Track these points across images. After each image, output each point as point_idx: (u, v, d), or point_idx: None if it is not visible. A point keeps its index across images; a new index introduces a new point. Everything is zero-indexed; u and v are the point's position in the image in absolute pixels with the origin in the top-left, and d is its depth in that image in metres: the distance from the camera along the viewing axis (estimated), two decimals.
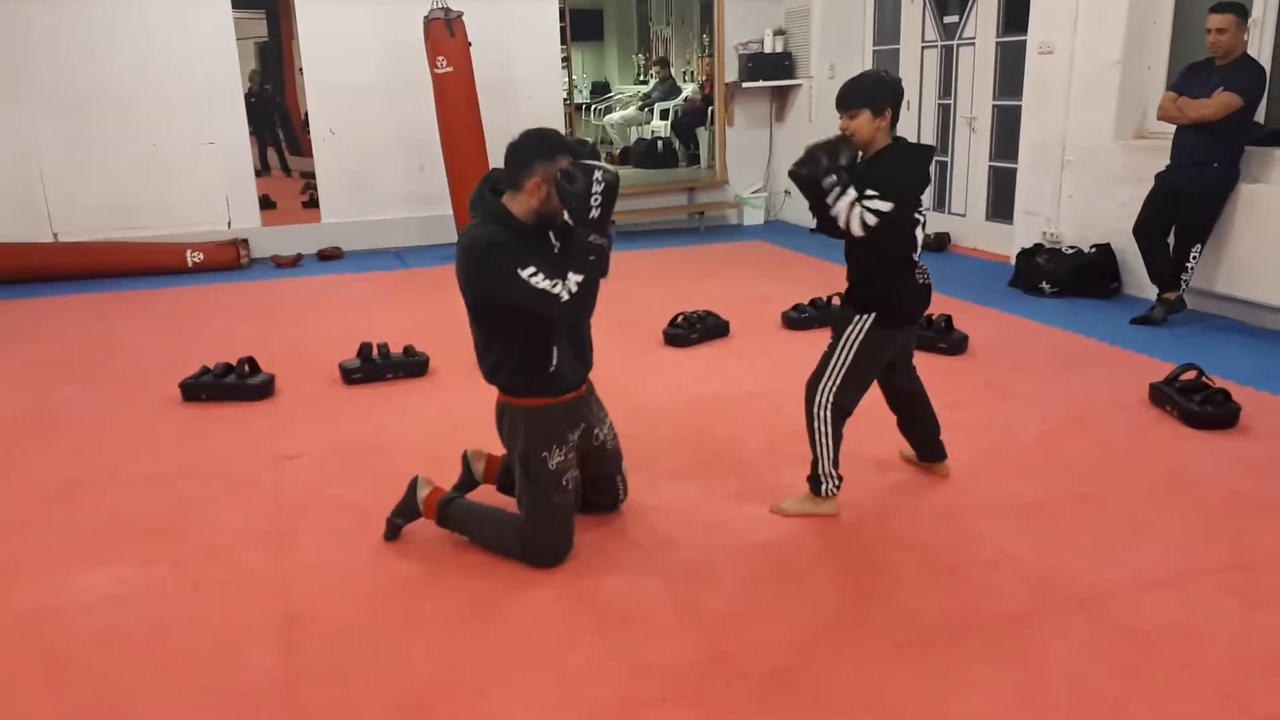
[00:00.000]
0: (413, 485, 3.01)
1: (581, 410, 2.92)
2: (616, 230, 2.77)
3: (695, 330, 5.09)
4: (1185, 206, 5.07)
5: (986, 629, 2.49)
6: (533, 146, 2.68)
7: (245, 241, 7.57)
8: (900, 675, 2.31)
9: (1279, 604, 2.57)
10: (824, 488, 3.09)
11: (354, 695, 2.29)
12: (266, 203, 8.57)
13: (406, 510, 3.01)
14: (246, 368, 4.45)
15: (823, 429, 3.03)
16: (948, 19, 7.54)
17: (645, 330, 5.18)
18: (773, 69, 8.65)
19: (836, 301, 5.31)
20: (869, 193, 2.81)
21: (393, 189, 8.04)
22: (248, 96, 12.14)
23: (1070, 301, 5.73)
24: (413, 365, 4.61)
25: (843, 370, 3.00)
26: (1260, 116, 5.06)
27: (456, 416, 4.11)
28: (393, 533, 3.02)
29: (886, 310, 3.00)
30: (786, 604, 2.63)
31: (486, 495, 3.19)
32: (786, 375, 4.55)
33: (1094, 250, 5.89)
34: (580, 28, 12.95)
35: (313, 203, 8.44)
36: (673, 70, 12.33)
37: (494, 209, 2.72)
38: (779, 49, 8.67)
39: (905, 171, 2.92)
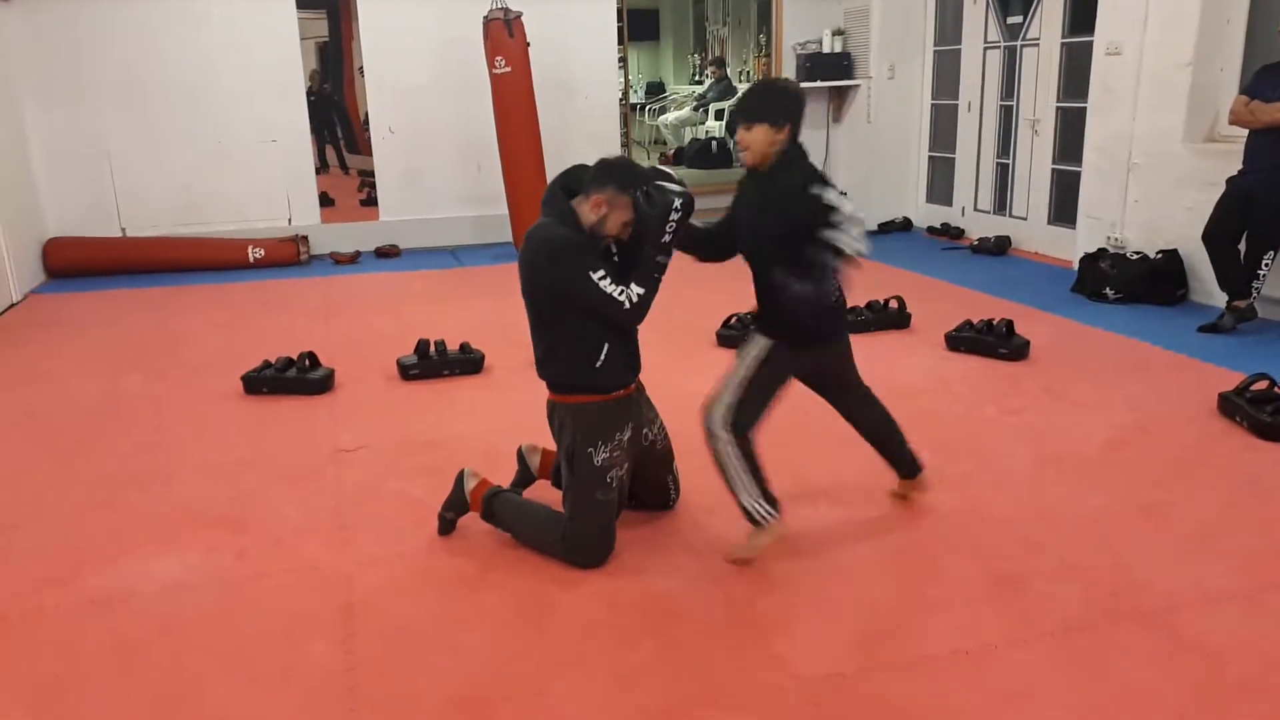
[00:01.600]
0: (460, 478, 3.05)
1: (630, 409, 2.93)
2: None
3: (748, 331, 5.05)
4: (1257, 212, 4.93)
5: (1047, 639, 2.45)
6: (618, 171, 2.78)
7: (305, 238, 7.70)
8: (957, 683, 2.28)
9: None
10: (755, 514, 2.79)
11: (415, 689, 2.32)
12: (325, 200, 8.71)
13: (455, 504, 3.05)
14: (307, 362, 4.52)
15: (726, 450, 2.77)
16: (1011, 19, 7.42)
17: (698, 331, 5.17)
18: (831, 69, 8.58)
19: (894, 305, 5.31)
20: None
21: (450, 188, 8.13)
22: (308, 95, 12.40)
23: (1135, 308, 5.61)
24: (469, 362, 4.66)
25: (739, 388, 2.80)
26: None
27: (512, 413, 4.14)
28: (446, 527, 3.06)
29: (794, 334, 2.86)
30: (841, 608, 2.61)
31: (541, 491, 3.22)
32: None
33: (1160, 256, 5.75)
34: (636, 27, 12.98)
35: (371, 201, 8.56)
36: (729, 70, 12.30)
37: (565, 211, 2.79)
38: (837, 49, 8.60)
39: (807, 173, 2.76)
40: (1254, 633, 2.45)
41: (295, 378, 4.45)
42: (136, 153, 7.48)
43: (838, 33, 8.61)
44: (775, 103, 2.77)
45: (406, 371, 4.60)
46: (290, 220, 7.89)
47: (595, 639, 2.51)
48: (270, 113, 7.66)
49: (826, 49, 8.60)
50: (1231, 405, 3.84)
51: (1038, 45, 7.13)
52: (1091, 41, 6.34)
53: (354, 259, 7.71)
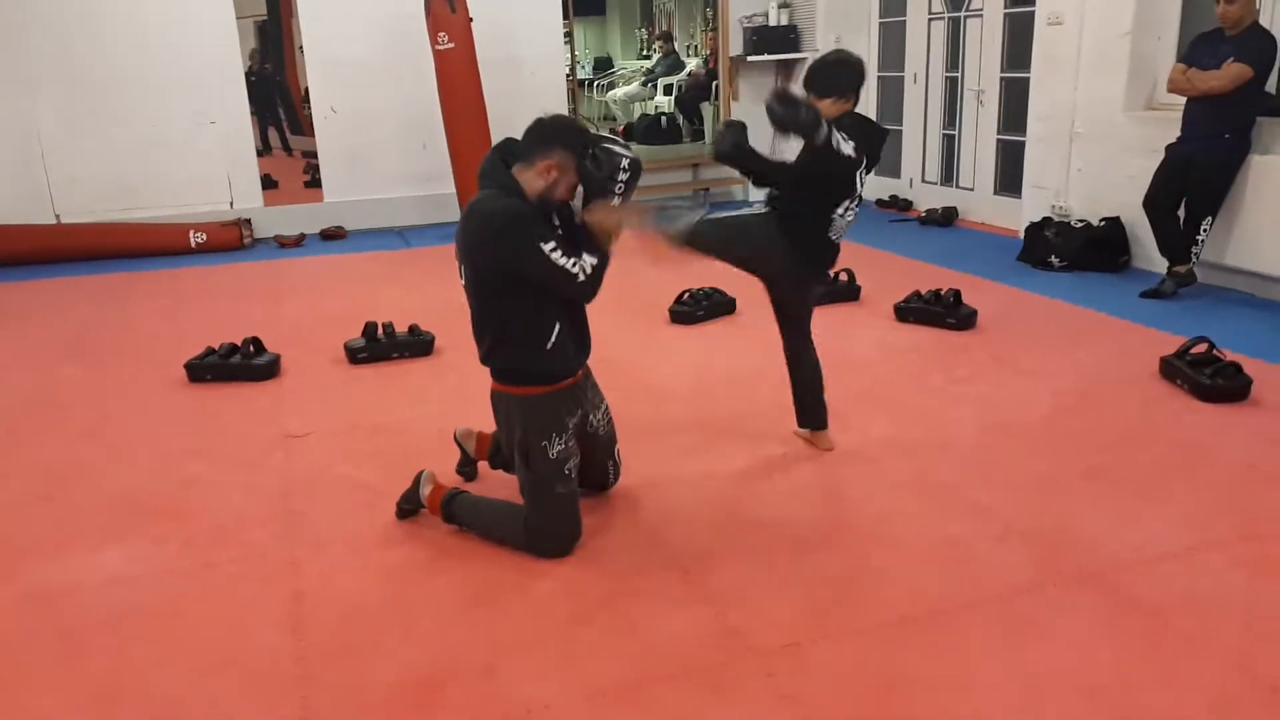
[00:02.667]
0: (417, 480, 3.00)
1: (578, 395, 2.85)
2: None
3: (701, 307, 5.06)
4: (1195, 179, 5.02)
5: (994, 602, 2.49)
6: (561, 131, 2.67)
7: (248, 221, 7.54)
8: (909, 649, 2.31)
9: None
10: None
11: (364, 673, 2.30)
12: (269, 182, 8.52)
13: (412, 500, 3.00)
14: (251, 348, 4.44)
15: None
16: None
17: (651, 308, 5.16)
18: (777, 42, 8.57)
19: (844, 278, 5.34)
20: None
21: (395, 167, 8.00)
22: (248, 75, 12.10)
23: (1079, 275, 5.70)
24: (418, 344, 4.60)
25: (723, 217, 3.17)
26: (1271, 87, 4.99)
27: (463, 395, 4.09)
28: (403, 514, 3.02)
29: (789, 232, 3.14)
30: (794, 579, 2.63)
31: (484, 476, 3.20)
32: None
33: (1103, 224, 5.84)
34: (582, 2, 12.85)
35: (315, 182, 8.39)
36: (676, 45, 12.23)
37: (507, 181, 2.66)
38: (783, 22, 8.59)
39: (866, 132, 3.06)
40: (1195, 589, 2.51)
41: (240, 364, 4.37)
42: (69, 137, 7.26)
43: (783, 5, 8.60)
44: (842, 78, 3.05)
45: (354, 355, 4.53)
46: (232, 204, 7.72)
47: (548, 618, 2.49)
48: (208, 94, 7.47)
49: (773, 22, 8.60)
50: (1173, 369, 3.91)
51: (981, 16, 7.18)
52: (1033, 12, 6.40)
53: (299, 242, 7.57)
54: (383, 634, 2.45)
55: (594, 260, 2.63)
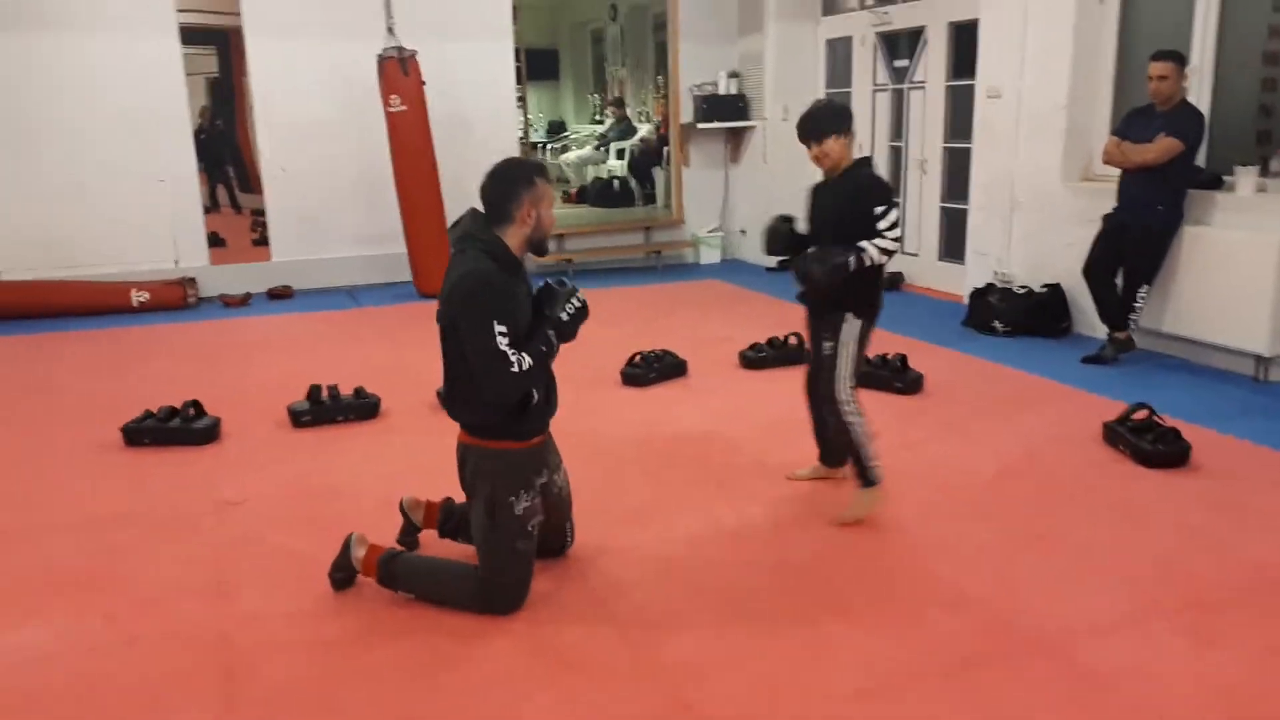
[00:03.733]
0: (346, 544, 2.90)
1: (544, 455, 2.86)
2: (574, 270, 2.81)
3: (653, 370, 5.05)
4: (1131, 247, 5.16)
5: (946, 675, 2.46)
6: (512, 177, 2.73)
7: (193, 280, 7.42)
8: None
9: (1228, 642, 2.58)
10: (874, 473, 3.29)
11: None
12: (216, 240, 8.42)
13: (344, 566, 2.91)
14: (191, 411, 4.32)
15: (855, 419, 3.27)
16: (898, 63, 7.68)
17: (603, 370, 5.14)
18: (727, 110, 8.74)
19: (793, 342, 5.37)
20: (877, 211, 3.13)
21: (345, 227, 7.95)
22: (198, 133, 11.99)
23: (1022, 340, 5.80)
24: (363, 407, 4.52)
25: (850, 363, 3.28)
26: (1201, 160, 5.18)
27: (408, 459, 4.02)
28: (339, 585, 2.93)
29: (873, 307, 3.34)
30: (746, 650, 2.58)
31: (430, 542, 3.12)
32: (745, 414, 4.54)
33: (1045, 290, 5.97)
34: (536, 67, 13.02)
35: (263, 240, 8.30)
36: (629, 110, 12.41)
37: (491, 242, 2.70)
38: (733, 91, 8.77)
39: (880, 181, 3.28)
40: (1141, 659, 2.50)
41: (179, 427, 4.25)
42: (8, 191, 7.11)
43: (733, 75, 8.79)
44: (839, 117, 3.28)
45: (298, 418, 4.43)
46: (177, 262, 7.59)
47: (489, 695, 2.41)
48: (155, 150, 7.38)
49: (723, 91, 8.76)
50: (1115, 434, 3.97)
51: (924, 88, 7.39)
52: (974, 85, 6.59)
53: (245, 301, 7.46)
54: (315, 712, 2.35)
55: (530, 362, 2.64)
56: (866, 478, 3.30)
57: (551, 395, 2.87)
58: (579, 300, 2.82)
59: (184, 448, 4.19)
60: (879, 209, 3.14)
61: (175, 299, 7.26)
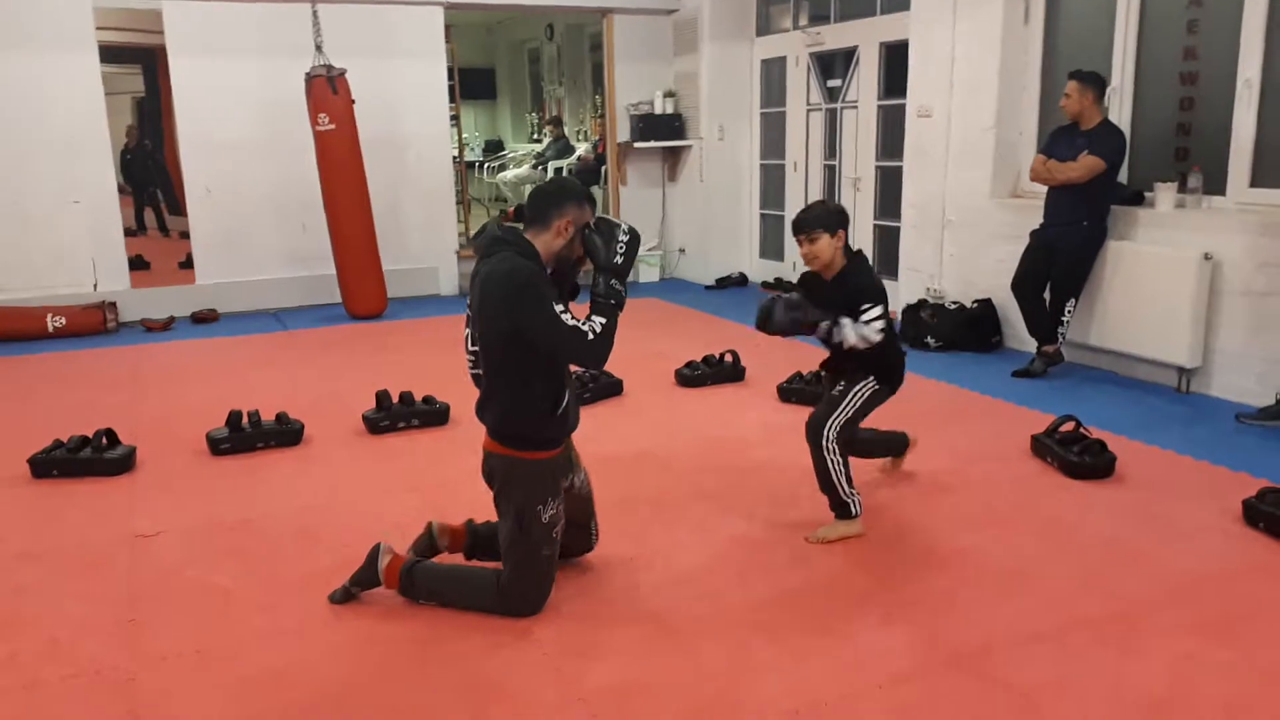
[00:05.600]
0: (374, 554, 2.90)
1: (567, 460, 2.90)
2: None
3: (588, 389, 5.00)
4: (1058, 262, 5.25)
5: (873, 693, 2.43)
6: (566, 190, 2.80)
7: (113, 304, 7.17)
8: None
9: (1151, 652, 2.59)
10: (852, 509, 3.31)
11: None
12: (140, 263, 8.20)
13: (364, 580, 2.90)
14: (105, 440, 4.15)
15: (834, 458, 3.27)
16: (831, 82, 7.76)
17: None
18: (664, 130, 8.75)
19: (729, 359, 5.36)
20: (863, 308, 3.17)
21: (273, 249, 7.76)
22: (124, 153, 11.72)
23: (954, 355, 5.86)
24: (286, 434, 4.38)
25: (850, 413, 3.31)
26: (1123, 177, 5.29)
27: (331, 487, 3.91)
28: (343, 596, 2.92)
29: (892, 381, 3.39)
30: (673, 676, 2.52)
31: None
32: (679, 433, 4.51)
33: (976, 305, 6.05)
34: (472, 86, 12.94)
35: (189, 263, 8.09)
36: (566, 129, 12.39)
37: (524, 245, 2.71)
38: (669, 110, 8.79)
39: (874, 275, 3.32)
40: (1064, 671, 2.50)
41: (90, 458, 4.07)
42: None
43: (669, 94, 8.81)
44: (831, 216, 3.27)
45: (217, 446, 4.28)
46: (96, 285, 7.35)
47: None
48: (73, 171, 7.14)
49: (659, 110, 8.78)
50: (1042, 446, 4.00)
51: (856, 108, 7.47)
52: (904, 104, 6.67)
53: (167, 326, 7.23)
54: None
55: (603, 320, 2.67)
56: (841, 509, 3.33)
57: (575, 404, 2.88)
58: (626, 229, 2.77)
59: (96, 479, 4.02)
60: (865, 305, 3.18)
61: (94, 324, 7.01)
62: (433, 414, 4.64)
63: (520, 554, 2.78)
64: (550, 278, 2.76)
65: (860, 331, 3.17)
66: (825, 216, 3.27)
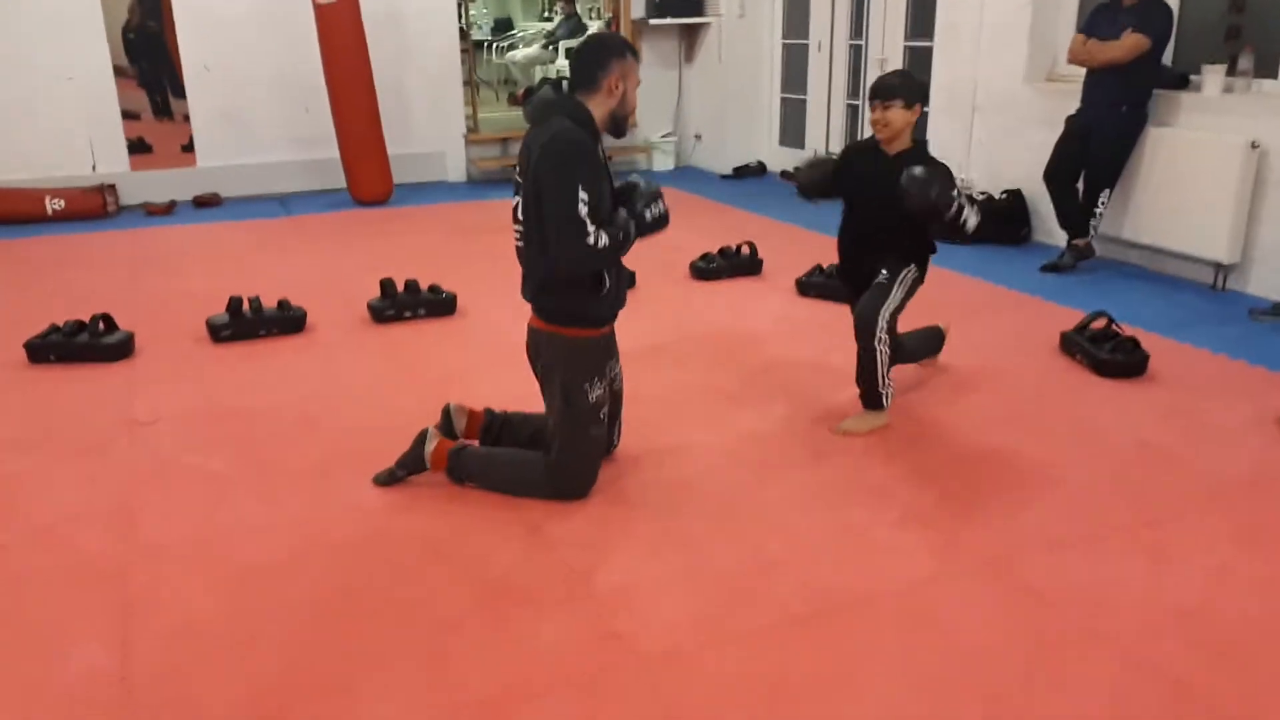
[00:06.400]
0: (421, 437, 2.86)
1: (612, 344, 2.85)
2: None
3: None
4: (1094, 150, 4.98)
5: (891, 597, 2.34)
6: (607, 46, 2.68)
7: (112, 187, 6.98)
8: (801, 651, 2.14)
9: (1183, 559, 2.49)
10: (885, 400, 3.25)
11: (198, 695, 2.03)
12: (142, 146, 7.94)
13: (411, 462, 2.86)
14: (101, 325, 4.04)
15: (884, 349, 3.19)
16: None
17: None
18: (681, 5, 8.32)
19: (745, 251, 5.17)
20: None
21: (275, 130, 7.50)
22: (126, 32, 11.30)
23: (981, 249, 5.63)
24: (288, 321, 4.25)
25: (898, 301, 3.22)
26: (1167, 59, 4.97)
27: (333, 376, 3.80)
28: (388, 478, 2.89)
29: (924, 267, 3.29)
30: (682, 577, 2.43)
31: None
32: (693, 326, 4.37)
33: (1004, 196, 5.79)
34: None
35: (192, 146, 7.84)
36: (578, 7, 11.87)
37: (576, 109, 2.61)
38: None
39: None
40: (1093, 578, 2.40)
41: (87, 343, 3.97)
42: None
43: None
44: (911, 88, 3.14)
45: (217, 333, 4.16)
46: (94, 168, 7.14)
47: (413, 625, 2.25)
48: (65, 49, 6.85)
49: None
50: (1072, 344, 3.84)
51: None
52: None
53: (169, 210, 7.05)
54: (221, 650, 2.17)
55: (606, 241, 2.56)
56: (873, 401, 3.25)
57: (623, 285, 2.81)
58: (662, 206, 2.73)
59: (94, 365, 3.92)
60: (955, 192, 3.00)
61: (94, 207, 6.83)
62: (439, 303, 4.50)
63: (567, 431, 2.73)
64: (601, 140, 2.68)
65: (973, 217, 3.04)
66: (908, 87, 3.14)
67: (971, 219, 3.02)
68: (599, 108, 2.63)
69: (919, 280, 3.27)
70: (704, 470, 3.02)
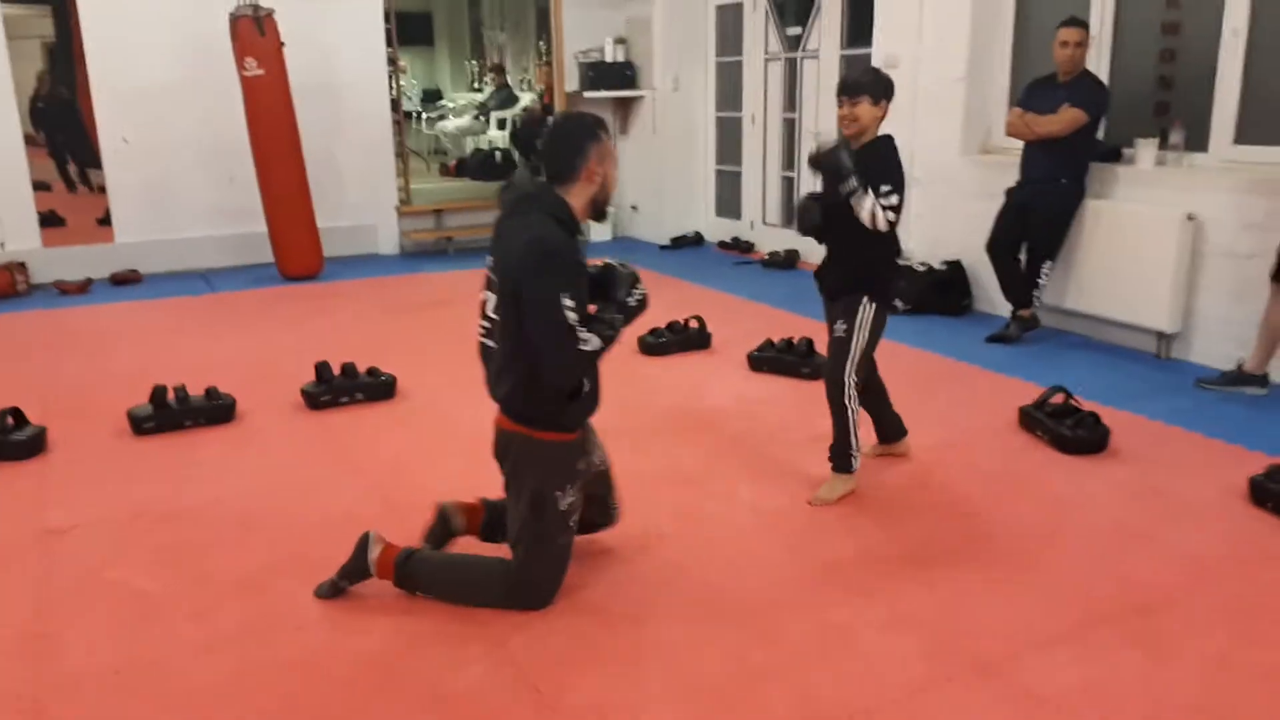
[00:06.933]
0: (362, 543, 2.65)
1: (586, 442, 2.68)
2: (454, 249, 2.48)
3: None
4: (1035, 223, 5.04)
5: (891, 708, 2.19)
6: (581, 130, 2.53)
7: (22, 265, 6.61)
8: None
9: (1179, 651, 2.40)
10: (853, 463, 3.25)
11: None
12: (55, 219, 7.60)
13: (354, 572, 2.65)
14: (10, 420, 3.73)
15: (852, 406, 3.19)
16: (791, 30, 7.43)
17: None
18: (614, 79, 8.34)
19: (694, 325, 5.07)
20: (883, 189, 3.03)
21: (198, 204, 7.22)
22: (35, 100, 10.92)
23: (923, 319, 5.64)
24: (216, 410, 3.99)
25: (860, 349, 3.19)
26: (1102, 134, 5.08)
27: (268, 469, 3.56)
28: (330, 591, 2.66)
29: (887, 296, 3.26)
30: (662, 693, 2.25)
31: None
32: (649, 406, 4.23)
33: (945, 267, 5.83)
34: (408, 31, 12.31)
35: (108, 220, 7.51)
36: (509, 78, 11.89)
37: (556, 205, 2.49)
38: (620, 58, 8.38)
39: (900, 163, 3.14)
40: (1092, 676, 2.29)
41: None
42: None
43: (619, 41, 8.40)
44: (879, 84, 3.16)
45: (140, 425, 3.88)
46: (3, 244, 6.76)
47: None
48: None
49: (609, 58, 8.37)
50: (1032, 419, 3.80)
51: (818, 57, 7.16)
52: (869, 54, 6.38)
53: (85, 288, 6.69)
54: None
55: (600, 344, 2.44)
56: (843, 464, 3.25)
57: (598, 387, 2.65)
58: (642, 290, 2.60)
59: (1, 464, 3.61)
60: (886, 187, 3.04)
61: (3, 286, 6.45)
62: (378, 387, 4.28)
63: (533, 540, 2.57)
64: (580, 231, 2.59)
65: (875, 209, 3.03)
66: (875, 83, 3.17)
67: (865, 202, 3.02)
68: (579, 197, 2.52)
69: (880, 317, 3.22)
70: (676, 566, 2.85)
